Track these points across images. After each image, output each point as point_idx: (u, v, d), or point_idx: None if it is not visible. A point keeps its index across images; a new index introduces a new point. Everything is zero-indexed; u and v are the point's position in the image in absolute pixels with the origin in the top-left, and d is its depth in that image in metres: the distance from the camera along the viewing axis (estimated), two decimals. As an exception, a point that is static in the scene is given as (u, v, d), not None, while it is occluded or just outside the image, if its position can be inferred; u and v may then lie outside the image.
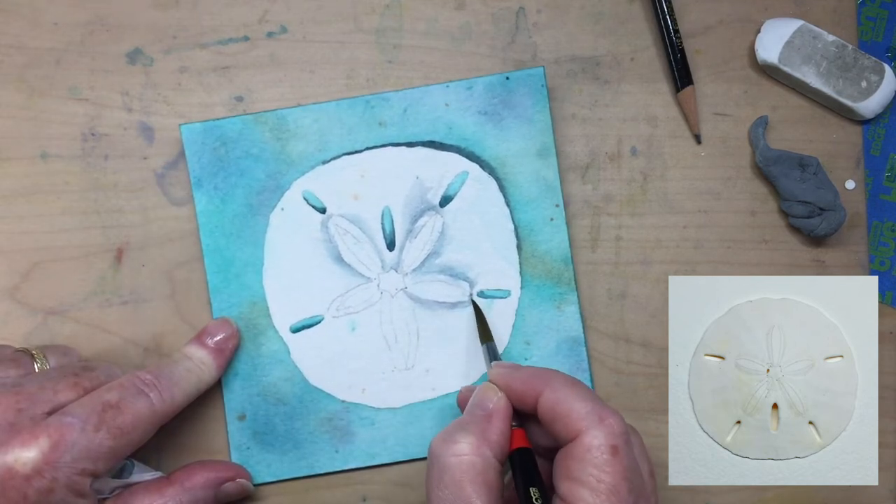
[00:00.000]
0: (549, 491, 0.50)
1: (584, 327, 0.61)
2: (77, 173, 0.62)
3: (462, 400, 0.58)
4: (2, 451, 0.49)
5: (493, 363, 0.55)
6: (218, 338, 0.59)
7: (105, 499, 0.54)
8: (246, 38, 0.63)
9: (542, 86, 0.62)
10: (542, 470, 0.52)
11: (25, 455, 0.49)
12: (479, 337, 0.59)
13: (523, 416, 0.53)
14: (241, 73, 0.63)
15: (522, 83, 0.62)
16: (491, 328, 0.60)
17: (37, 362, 0.56)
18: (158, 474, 0.57)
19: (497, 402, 0.52)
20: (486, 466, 0.49)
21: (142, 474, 0.57)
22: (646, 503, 0.49)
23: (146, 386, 0.54)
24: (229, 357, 0.60)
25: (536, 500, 0.49)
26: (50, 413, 0.51)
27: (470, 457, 0.49)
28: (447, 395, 0.61)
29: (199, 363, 0.58)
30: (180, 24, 0.63)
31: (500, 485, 0.50)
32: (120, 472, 0.56)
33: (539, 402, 0.50)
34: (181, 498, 0.56)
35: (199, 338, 0.59)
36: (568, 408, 0.49)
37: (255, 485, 0.60)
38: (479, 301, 0.61)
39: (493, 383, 0.53)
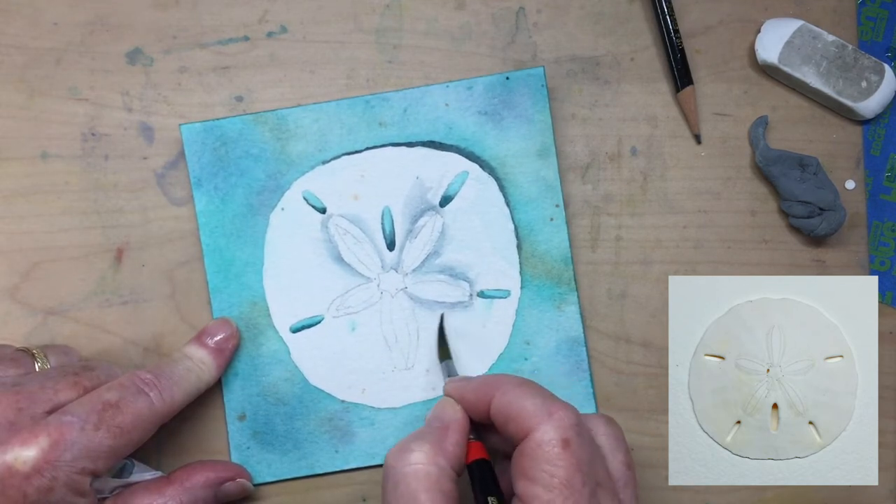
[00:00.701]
0: (508, 499, 0.50)
1: (584, 327, 0.61)
2: (77, 173, 0.62)
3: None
4: (1, 450, 0.49)
5: (447, 379, 0.56)
6: (218, 338, 0.59)
7: (105, 498, 0.54)
8: (246, 38, 0.63)
9: (543, 86, 0.62)
10: (506, 475, 0.52)
11: (25, 454, 0.49)
12: (438, 356, 0.60)
13: (483, 429, 0.53)
14: (241, 73, 0.63)
15: (522, 83, 0.62)
16: (492, 328, 0.60)
17: (37, 362, 0.56)
18: (158, 474, 0.57)
19: (453, 414, 0.52)
20: (441, 476, 0.49)
21: (142, 474, 0.57)
22: (608, 493, 0.49)
23: (146, 385, 0.54)
24: (229, 357, 0.60)
25: None
26: (50, 412, 0.51)
27: (425, 466, 0.49)
28: (447, 395, 0.61)
29: (199, 363, 0.58)
30: (180, 24, 0.63)
31: (457, 495, 0.49)
32: (120, 472, 0.56)
33: (491, 407, 0.51)
34: (181, 497, 0.56)
35: (199, 338, 0.59)
36: (518, 407, 0.49)
37: (254, 485, 0.60)
38: (479, 301, 0.61)
39: (449, 396, 0.54)
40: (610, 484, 0.49)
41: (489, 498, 0.49)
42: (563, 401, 0.49)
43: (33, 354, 0.56)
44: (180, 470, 0.58)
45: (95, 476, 0.51)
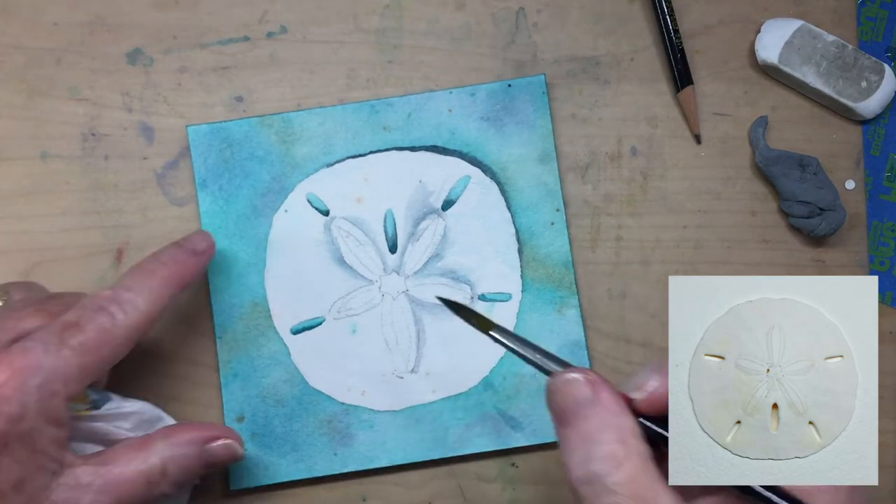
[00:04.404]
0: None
1: (584, 331, 0.61)
2: (77, 173, 0.62)
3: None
4: None
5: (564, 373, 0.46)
6: (197, 246, 0.57)
7: (88, 456, 0.52)
8: (246, 38, 0.63)
9: (544, 93, 0.62)
10: None
11: None
12: (482, 328, 0.50)
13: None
14: (241, 74, 0.63)
15: (524, 90, 0.62)
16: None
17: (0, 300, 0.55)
18: (140, 402, 0.55)
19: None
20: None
21: (120, 403, 0.55)
22: None
23: (105, 300, 0.52)
24: (206, 262, 0.58)
25: None
26: (15, 341, 0.50)
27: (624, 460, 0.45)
28: (447, 398, 0.61)
29: (169, 260, 0.55)
30: (180, 24, 0.63)
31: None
32: (97, 405, 0.54)
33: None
34: (163, 453, 0.52)
35: (176, 242, 0.57)
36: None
37: (254, 486, 0.60)
38: (480, 304, 0.61)
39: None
40: None
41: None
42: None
43: None
44: (167, 427, 0.55)
45: (69, 400, 0.50)
